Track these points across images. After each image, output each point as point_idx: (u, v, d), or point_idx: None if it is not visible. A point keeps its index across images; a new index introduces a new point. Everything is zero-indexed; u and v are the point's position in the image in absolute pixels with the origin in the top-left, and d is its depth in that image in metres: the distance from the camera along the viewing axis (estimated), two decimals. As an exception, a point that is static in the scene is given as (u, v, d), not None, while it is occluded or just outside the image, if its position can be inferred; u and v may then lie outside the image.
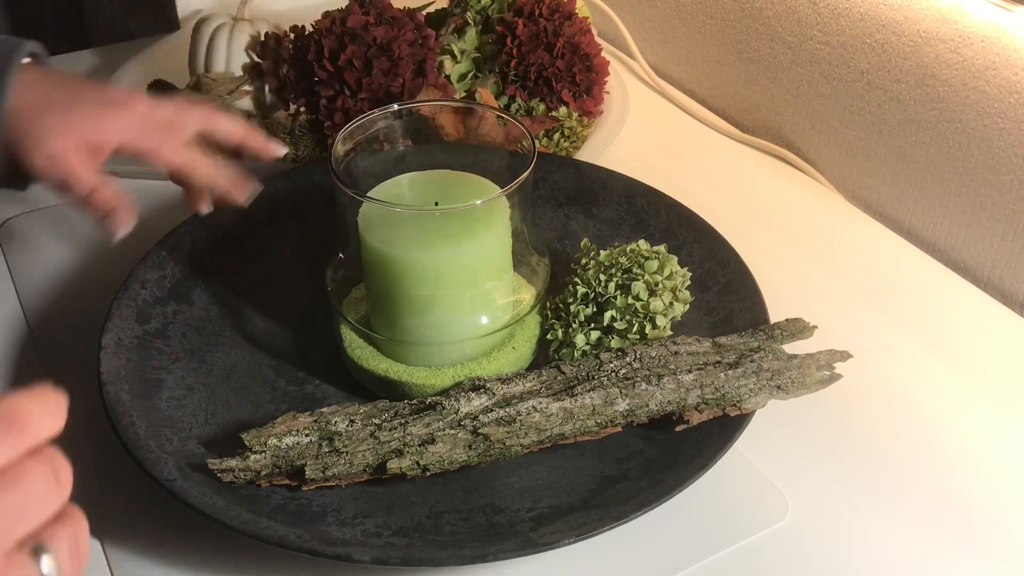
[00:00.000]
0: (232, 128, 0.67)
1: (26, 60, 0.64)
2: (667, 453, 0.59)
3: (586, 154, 0.86)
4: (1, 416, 0.34)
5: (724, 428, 0.59)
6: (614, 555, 0.56)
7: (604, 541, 0.55)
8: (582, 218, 0.78)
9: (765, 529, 0.58)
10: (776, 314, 0.66)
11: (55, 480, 0.36)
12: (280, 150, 0.68)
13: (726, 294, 0.69)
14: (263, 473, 0.56)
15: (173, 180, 0.66)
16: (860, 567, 0.56)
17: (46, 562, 0.34)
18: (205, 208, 0.67)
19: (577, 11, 0.92)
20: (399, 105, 0.67)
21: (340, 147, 0.63)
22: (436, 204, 0.63)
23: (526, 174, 0.60)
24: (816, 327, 0.64)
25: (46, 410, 0.37)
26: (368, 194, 0.62)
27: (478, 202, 0.61)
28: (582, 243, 0.67)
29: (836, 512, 0.59)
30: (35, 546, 0.35)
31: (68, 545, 0.36)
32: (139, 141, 0.63)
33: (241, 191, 0.66)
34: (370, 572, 0.56)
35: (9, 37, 0.63)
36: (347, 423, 0.57)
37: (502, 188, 0.60)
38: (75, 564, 0.36)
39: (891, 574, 0.56)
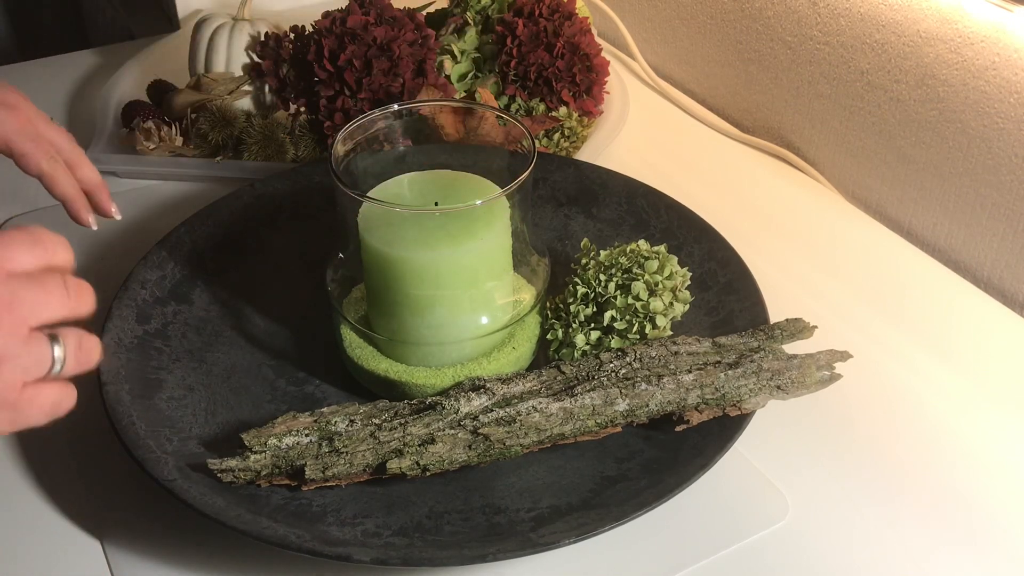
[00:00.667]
0: (87, 176, 0.67)
1: None
2: (667, 453, 0.59)
3: (586, 154, 0.86)
4: (30, 236, 0.45)
5: (724, 428, 0.59)
6: (614, 555, 0.56)
7: (604, 541, 0.55)
8: (582, 218, 0.78)
9: (765, 529, 0.58)
10: (776, 314, 0.66)
11: (69, 289, 0.45)
12: (93, 224, 0.67)
13: (726, 294, 0.69)
14: (263, 473, 0.56)
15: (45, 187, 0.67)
16: (860, 567, 0.56)
17: (57, 348, 0.44)
18: (90, 221, 0.67)
19: (577, 11, 0.92)
20: (399, 105, 0.67)
21: (340, 147, 0.63)
22: (436, 204, 0.63)
23: (526, 174, 0.60)
24: (816, 327, 0.64)
25: (63, 243, 0.47)
26: (368, 194, 0.62)
27: (478, 202, 0.61)
28: (582, 243, 0.67)
29: (836, 512, 0.59)
30: (50, 334, 0.44)
31: (74, 342, 0.45)
32: (14, 142, 0.64)
33: (103, 203, 0.67)
34: (370, 572, 0.56)
35: None
36: (347, 423, 0.57)
37: (502, 188, 0.60)
38: (80, 358, 0.45)
39: (891, 574, 0.56)
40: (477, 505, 0.57)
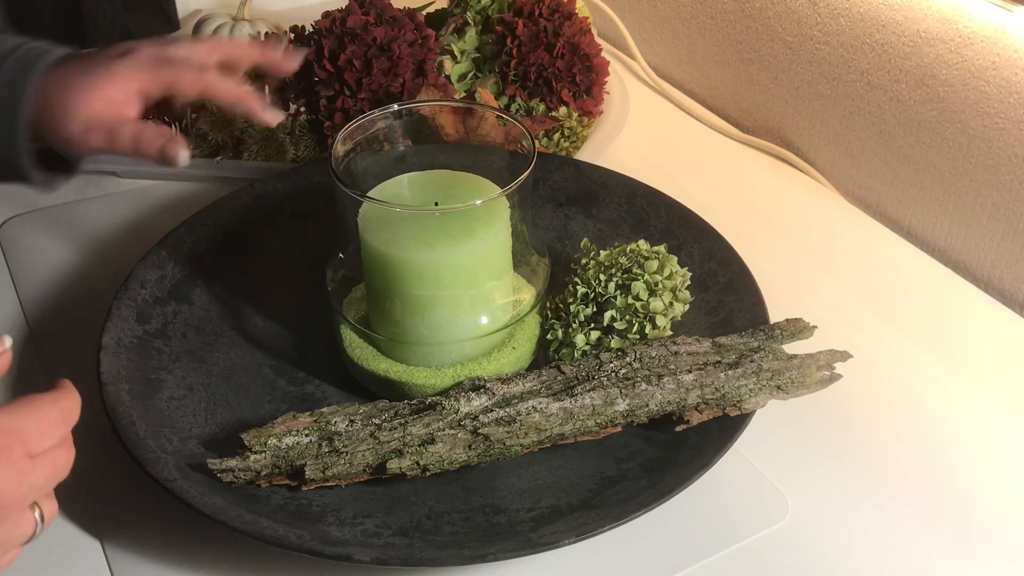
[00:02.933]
0: (244, 49, 0.67)
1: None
2: (667, 453, 0.59)
3: (586, 154, 0.86)
4: (60, 413, 0.47)
5: (724, 428, 0.59)
6: (614, 555, 0.56)
7: (604, 541, 0.55)
8: (582, 218, 0.78)
9: (765, 529, 0.58)
10: (776, 314, 0.66)
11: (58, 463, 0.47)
12: (278, 116, 0.66)
13: (726, 294, 0.69)
14: (263, 473, 0.56)
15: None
16: (860, 567, 0.56)
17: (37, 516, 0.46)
18: (269, 118, 0.65)
19: (577, 11, 0.92)
20: (399, 105, 0.67)
21: (340, 147, 0.63)
22: (436, 204, 0.63)
23: (526, 174, 0.60)
24: (816, 327, 0.64)
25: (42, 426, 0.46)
26: (368, 194, 0.62)
27: (478, 202, 0.61)
28: (582, 243, 0.67)
29: (836, 512, 0.59)
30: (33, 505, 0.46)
31: (49, 510, 0.47)
32: (156, 79, 0.62)
33: (265, 109, 0.65)
34: (370, 572, 0.56)
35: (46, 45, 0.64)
36: (347, 423, 0.57)
37: (502, 188, 0.60)
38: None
39: (891, 574, 0.56)
40: (477, 505, 0.57)
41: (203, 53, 0.65)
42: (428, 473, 0.56)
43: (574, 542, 0.52)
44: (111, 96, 0.61)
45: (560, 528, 0.54)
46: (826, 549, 0.57)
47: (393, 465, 0.55)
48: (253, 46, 0.67)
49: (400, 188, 0.65)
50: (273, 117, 0.65)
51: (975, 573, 0.56)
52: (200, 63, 0.65)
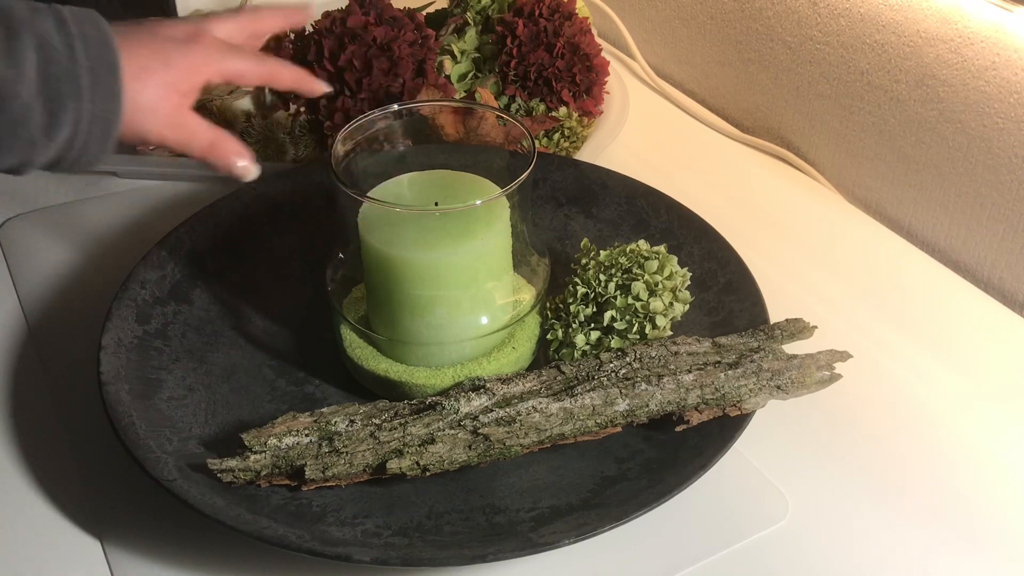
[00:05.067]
0: (269, 20, 0.67)
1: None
2: (667, 453, 0.59)
3: (586, 154, 0.86)
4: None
5: (724, 428, 0.59)
6: (614, 555, 0.56)
7: (604, 541, 0.55)
8: (582, 218, 0.78)
9: (765, 529, 0.58)
10: (776, 314, 0.66)
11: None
12: (327, 85, 0.67)
13: (726, 294, 0.69)
14: (263, 473, 0.56)
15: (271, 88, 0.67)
16: (860, 567, 0.56)
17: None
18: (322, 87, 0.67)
19: (577, 11, 0.92)
20: (399, 105, 0.67)
21: (340, 147, 0.63)
22: (436, 204, 0.63)
23: (526, 174, 0.60)
24: (816, 327, 0.64)
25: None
26: (368, 194, 0.62)
27: (478, 202, 0.61)
28: (582, 243, 0.67)
29: (836, 512, 0.59)
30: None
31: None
32: (225, 71, 0.61)
33: (317, 81, 0.66)
34: (370, 572, 0.56)
35: (82, 13, 0.56)
36: (347, 423, 0.57)
37: (502, 188, 0.60)
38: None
39: (891, 574, 0.56)
40: (477, 505, 0.57)
41: (235, 31, 0.64)
42: (428, 473, 0.56)
43: (574, 542, 0.52)
44: (188, 94, 0.58)
45: (560, 528, 0.54)
46: (826, 549, 0.57)
47: (393, 465, 0.55)
48: (276, 16, 0.67)
49: (400, 188, 0.65)
50: (326, 86, 0.67)
51: (975, 573, 0.56)
52: (256, 42, 0.65)
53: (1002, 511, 0.60)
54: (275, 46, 0.86)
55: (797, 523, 0.59)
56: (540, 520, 0.56)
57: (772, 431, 0.63)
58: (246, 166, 0.60)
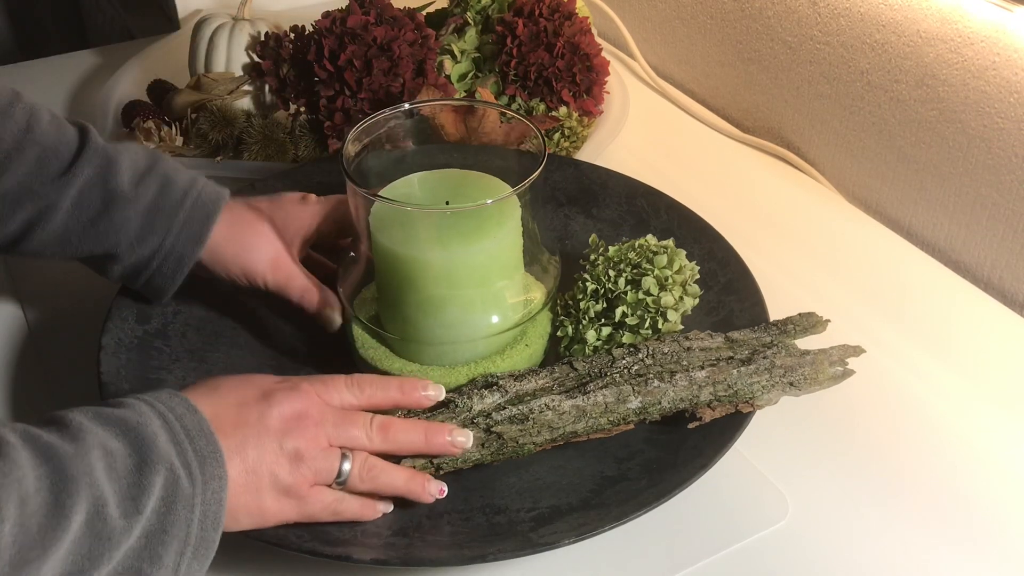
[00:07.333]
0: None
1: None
2: (667, 453, 0.59)
3: (586, 154, 0.86)
4: (353, 381, 0.56)
5: (724, 428, 0.59)
6: (614, 555, 0.56)
7: (604, 541, 0.55)
8: (582, 218, 0.78)
9: (765, 529, 0.58)
10: (776, 314, 0.66)
11: (373, 426, 0.54)
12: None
13: (726, 294, 0.69)
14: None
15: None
16: (860, 567, 0.56)
17: (346, 463, 0.53)
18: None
19: (577, 11, 0.92)
20: (410, 105, 0.67)
21: (351, 147, 0.63)
22: (447, 203, 0.62)
23: (537, 172, 0.60)
24: (829, 320, 0.64)
25: (383, 388, 0.56)
26: (379, 194, 0.62)
27: (489, 201, 0.60)
28: (590, 239, 0.67)
29: (836, 512, 0.59)
30: (343, 452, 0.53)
31: (360, 461, 0.54)
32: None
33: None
34: (370, 572, 0.56)
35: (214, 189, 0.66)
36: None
37: (513, 187, 0.60)
38: (363, 476, 0.53)
39: (891, 574, 0.56)
40: (477, 505, 0.57)
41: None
42: (442, 472, 0.56)
43: (574, 542, 0.52)
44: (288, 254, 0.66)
45: (560, 528, 0.54)
46: (826, 549, 0.57)
47: (406, 463, 0.55)
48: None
49: (411, 188, 0.64)
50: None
51: (975, 573, 0.56)
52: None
53: (1002, 511, 0.60)
54: (275, 45, 0.86)
55: (797, 523, 0.59)
56: (540, 520, 0.56)
57: (772, 431, 0.63)
58: (334, 317, 0.66)
